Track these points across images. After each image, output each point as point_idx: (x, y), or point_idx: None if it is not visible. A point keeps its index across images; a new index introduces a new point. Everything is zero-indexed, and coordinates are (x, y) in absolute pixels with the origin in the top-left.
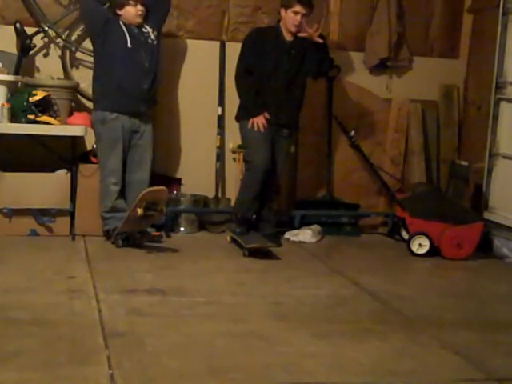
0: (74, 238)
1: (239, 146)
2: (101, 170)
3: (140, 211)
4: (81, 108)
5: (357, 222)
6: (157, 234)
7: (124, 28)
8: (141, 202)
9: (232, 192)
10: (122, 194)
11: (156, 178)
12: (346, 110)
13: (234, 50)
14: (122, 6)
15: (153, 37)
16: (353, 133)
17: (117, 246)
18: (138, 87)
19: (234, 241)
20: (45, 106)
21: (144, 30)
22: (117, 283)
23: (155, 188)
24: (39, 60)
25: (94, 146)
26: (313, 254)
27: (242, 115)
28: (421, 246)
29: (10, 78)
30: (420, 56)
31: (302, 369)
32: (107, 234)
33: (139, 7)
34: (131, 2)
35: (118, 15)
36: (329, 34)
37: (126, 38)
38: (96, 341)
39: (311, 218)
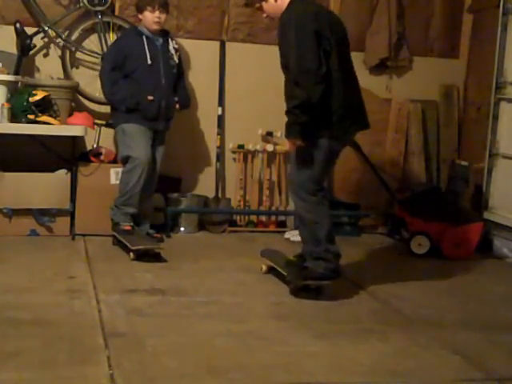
0: (73, 238)
1: (239, 146)
2: (129, 163)
3: (132, 256)
4: (81, 108)
5: (357, 221)
6: (157, 236)
7: (146, 46)
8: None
9: (232, 192)
10: None
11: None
12: None
13: (234, 49)
14: (141, 11)
15: (175, 58)
16: None
17: (113, 244)
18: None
19: (271, 270)
20: (45, 106)
21: (170, 49)
22: (117, 283)
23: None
24: (39, 60)
25: (94, 145)
26: None
27: None
28: (421, 245)
29: (10, 77)
30: (420, 56)
31: (302, 369)
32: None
33: (157, 14)
34: (149, 7)
35: (139, 19)
36: None
37: (146, 55)
38: (96, 341)
39: None
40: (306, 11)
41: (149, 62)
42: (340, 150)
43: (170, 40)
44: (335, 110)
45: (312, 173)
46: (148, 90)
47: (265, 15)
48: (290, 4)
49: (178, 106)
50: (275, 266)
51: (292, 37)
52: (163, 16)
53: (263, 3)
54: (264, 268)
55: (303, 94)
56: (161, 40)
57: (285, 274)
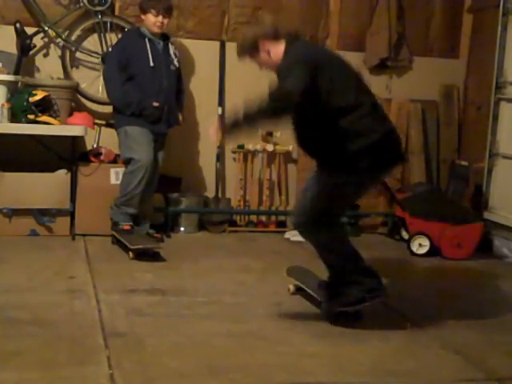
0: (74, 238)
1: (239, 146)
2: (132, 165)
3: (132, 255)
4: (81, 108)
5: (357, 221)
6: (157, 235)
7: (148, 48)
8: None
9: (232, 192)
10: None
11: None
12: None
13: (234, 50)
14: (145, 12)
15: (176, 63)
16: None
17: (112, 243)
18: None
19: (299, 290)
20: (45, 106)
21: (170, 53)
22: (117, 283)
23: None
24: (39, 60)
25: (94, 145)
26: (313, 254)
27: None
28: (421, 245)
29: (10, 77)
30: (420, 56)
31: (302, 369)
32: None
33: (160, 18)
34: (153, 11)
35: (141, 20)
36: (329, 34)
37: (148, 57)
38: (96, 341)
39: None
40: (299, 51)
41: (151, 63)
42: (358, 185)
43: (170, 44)
44: (348, 147)
45: (317, 203)
46: (152, 95)
47: (261, 67)
48: (284, 53)
49: (180, 118)
50: (306, 289)
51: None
52: (166, 21)
53: (256, 57)
54: (292, 289)
55: (270, 105)
56: (162, 43)
57: (318, 298)
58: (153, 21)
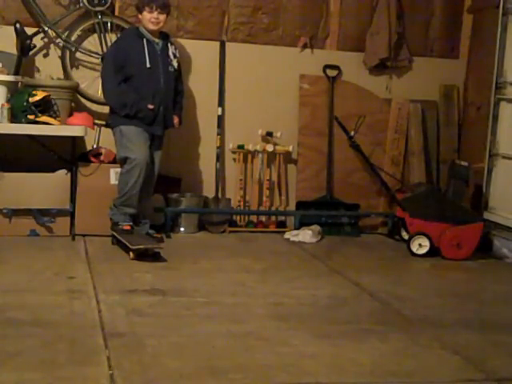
0: (73, 238)
1: (239, 146)
2: (127, 164)
3: (132, 255)
4: (81, 108)
5: (357, 222)
6: (157, 236)
7: (146, 49)
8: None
9: (232, 192)
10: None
11: (156, 178)
12: (346, 110)
13: (234, 50)
14: (140, 11)
15: (174, 63)
16: (353, 133)
17: (112, 243)
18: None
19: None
20: (45, 106)
21: (169, 54)
22: (117, 283)
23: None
24: (39, 60)
25: (94, 145)
26: (313, 254)
27: None
28: (421, 246)
29: (10, 78)
30: (420, 56)
31: (302, 369)
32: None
33: (155, 14)
34: (147, 8)
35: (139, 20)
36: (329, 34)
37: (145, 58)
38: (96, 341)
39: (311, 218)
40: None
41: (148, 65)
42: None
43: (169, 45)
44: None
45: None
46: (148, 97)
47: None
48: None
49: (176, 121)
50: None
51: None
52: (162, 17)
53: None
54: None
55: None
56: (160, 44)
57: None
58: (148, 17)
